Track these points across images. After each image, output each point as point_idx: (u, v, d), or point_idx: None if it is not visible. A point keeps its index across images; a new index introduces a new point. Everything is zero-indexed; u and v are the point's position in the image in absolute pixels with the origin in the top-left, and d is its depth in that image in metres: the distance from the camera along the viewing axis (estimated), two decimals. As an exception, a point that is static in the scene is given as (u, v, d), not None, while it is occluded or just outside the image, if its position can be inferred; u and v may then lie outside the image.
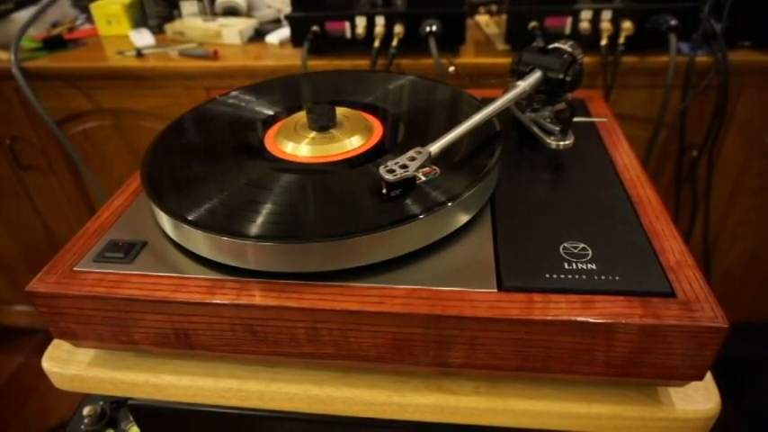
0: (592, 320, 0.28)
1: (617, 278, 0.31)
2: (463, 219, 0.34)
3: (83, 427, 0.46)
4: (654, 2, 0.75)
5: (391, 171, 0.32)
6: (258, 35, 0.97)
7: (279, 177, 0.37)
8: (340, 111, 0.42)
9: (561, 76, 0.43)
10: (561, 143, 0.40)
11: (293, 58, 0.85)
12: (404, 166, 0.33)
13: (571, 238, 0.34)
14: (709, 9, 0.73)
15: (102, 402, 0.47)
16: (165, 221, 0.34)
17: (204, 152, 0.41)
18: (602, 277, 0.31)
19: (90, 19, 1.05)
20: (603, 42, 0.77)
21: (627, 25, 0.76)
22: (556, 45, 0.45)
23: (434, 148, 0.34)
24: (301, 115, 0.42)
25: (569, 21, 0.78)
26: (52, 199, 1.12)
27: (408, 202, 0.33)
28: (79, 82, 0.94)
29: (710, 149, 0.82)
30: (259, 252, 0.31)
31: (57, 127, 0.95)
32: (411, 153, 0.34)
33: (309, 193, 0.35)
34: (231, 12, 1.02)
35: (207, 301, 0.31)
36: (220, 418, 0.39)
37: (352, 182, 0.36)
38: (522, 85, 0.42)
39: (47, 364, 0.37)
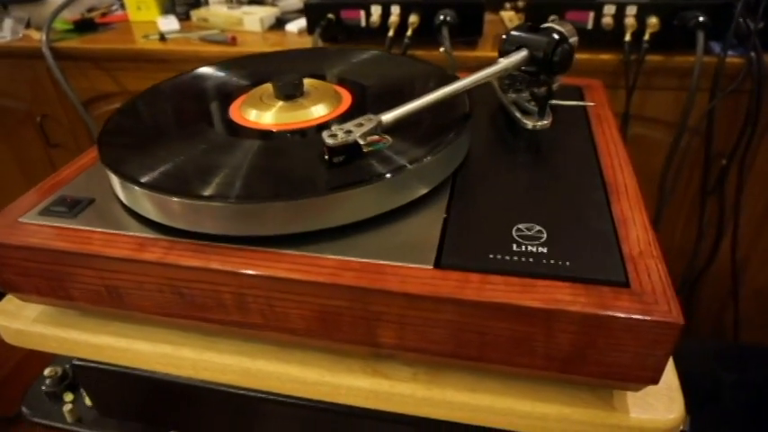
0: (529, 305, 0.26)
1: (567, 263, 0.28)
2: (412, 194, 0.32)
3: (43, 388, 0.46)
4: (683, -3, 0.71)
5: (334, 135, 0.30)
6: (279, 24, 0.97)
7: (229, 142, 0.35)
8: (309, 81, 0.41)
9: (547, 56, 0.40)
10: (538, 123, 0.38)
11: (310, 46, 0.85)
12: (348, 132, 0.31)
13: (528, 221, 0.31)
14: (743, 6, 0.68)
15: (67, 365, 0.47)
16: (109, 176, 0.34)
17: (166, 119, 0.40)
18: (551, 261, 0.28)
19: (123, 5, 1.08)
20: (627, 39, 0.73)
21: (653, 21, 0.72)
22: (548, 24, 0.42)
23: (387, 116, 0.33)
24: (268, 86, 0.40)
25: (591, 15, 0.75)
26: (78, 177, 1.16)
27: (351, 169, 0.31)
28: (105, 63, 0.96)
29: (741, 159, 0.76)
30: (186, 210, 0.30)
31: (83, 107, 0.98)
32: (360, 119, 0.32)
33: (255, 159, 0.33)
34: (258, 1, 1.03)
35: (133, 258, 0.30)
36: (164, 387, 0.38)
37: (303, 149, 0.34)
38: (503, 62, 0.39)
39: (-4, 316, 0.37)
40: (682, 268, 0.90)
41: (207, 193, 0.30)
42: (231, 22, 0.96)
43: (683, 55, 0.73)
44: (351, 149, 0.31)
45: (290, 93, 0.39)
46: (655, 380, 0.27)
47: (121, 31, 1.02)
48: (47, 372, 0.46)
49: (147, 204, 0.31)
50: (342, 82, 0.43)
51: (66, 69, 0.96)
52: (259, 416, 0.39)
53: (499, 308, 0.26)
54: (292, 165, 0.33)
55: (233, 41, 0.89)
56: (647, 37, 0.72)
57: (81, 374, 0.39)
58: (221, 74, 0.47)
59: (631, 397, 0.30)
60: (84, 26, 1.00)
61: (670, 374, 0.31)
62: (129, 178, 0.32)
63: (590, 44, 0.76)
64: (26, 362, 1.23)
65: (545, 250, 0.29)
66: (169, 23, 0.98)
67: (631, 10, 0.72)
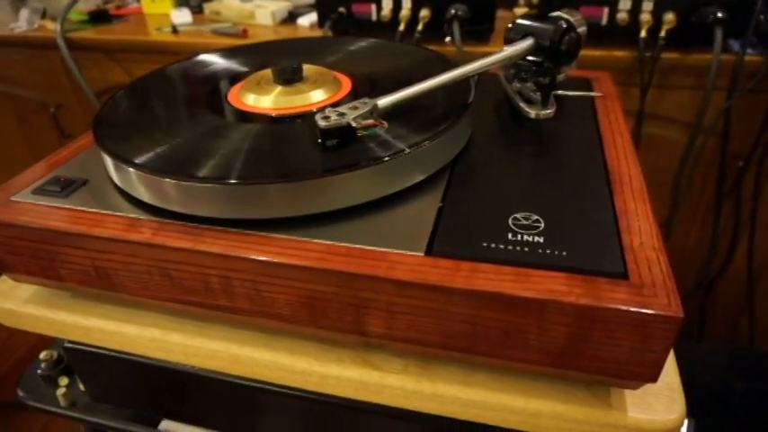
0: (521, 295, 0.25)
1: (564, 253, 0.27)
2: (407, 180, 0.31)
3: (39, 371, 0.46)
4: (702, -7, 0.69)
5: (326, 118, 0.30)
6: (292, 18, 0.97)
7: (224, 125, 0.35)
8: (309, 67, 0.40)
9: (554, 45, 0.38)
10: (542, 112, 0.36)
11: (317, 39, 0.85)
12: (341, 114, 0.30)
13: (526, 210, 0.30)
14: (763, 3, 0.66)
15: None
16: (102, 157, 0.33)
17: (163, 102, 0.40)
18: (548, 251, 0.27)
19: (139, -3, 1.09)
20: (642, 35, 0.71)
21: (669, 17, 0.70)
22: (557, 13, 0.41)
23: (383, 101, 0.32)
24: (268, 71, 0.40)
25: (606, 11, 0.73)
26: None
27: (345, 153, 0.30)
28: (118, 54, 0.97)
29: (759, 161, 0.74)
30: (175, 191, 0.29)
31: (96, 98, 0.99)
32: (355, 103, 0.31)
33: (250, 142, 0.33)
34: (270, -5, 1.03)
35: (121, 238, 0.30)
36: (154, 373, 0.37)
37: (299, 133, 0.34)
38: (507, 50, 0.38)
39: (-13, 296, 0.37)
40: (696, 272, 0.88)
41: (196, 173, 0.29)
42: (243, 16, 0.95)
43: (700, 52, 0.71)
44: (344, 133, 0.30)
45: (289, 77, 0.38)
46: (653, 377, 0.26)
47: (135, 22, 1.02)
48: (42, 355, 0.46)
49: (136, 184, 0.31)
50: (342, 69, 0.43)
51: (80, 60, 0.97)
52: (251, 404, 0.38)
53: (490, 297, 0.25)
54: (287, 149, 0.32)
55: (244, 34, 0.89)
56: (663, 33, 0.70)
57: (72, 357, 0.39)
58: (221, 60, 0.47)
59: (630, 396, 0.29)
60: (99, 17, 1.00)
61: (672, 374, 0.30)
62: (119, 158, 0.31)
63: (604, 40, 0.75)
64: (40, 347, 1.25)
65: (541, 240, 0.28)
66: (182, 16, 0.98)
67: (648, 5, 0.71)
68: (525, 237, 0.28)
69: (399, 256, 0.27)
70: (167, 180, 0.29)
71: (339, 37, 0.83)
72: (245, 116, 0.36)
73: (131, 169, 0.31)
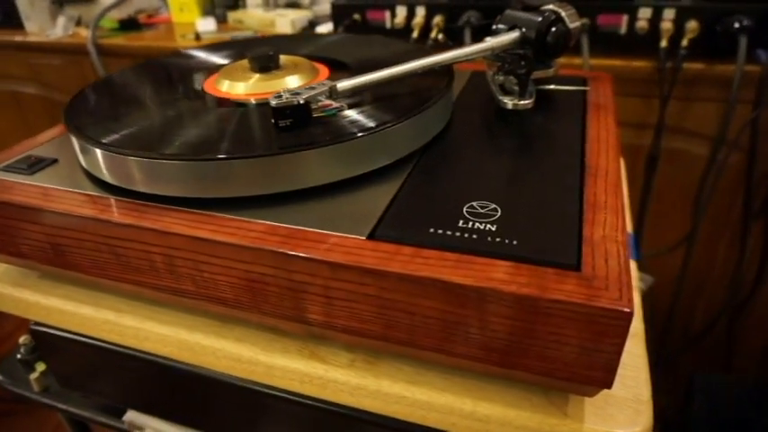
0: (458, 282, 0.23)
1: (514, 242, 0.25)
2: (367, 165, 0.30)
3: (18, 356, 0.46)
4: (727, 0, 0.65)
5: (278, 96, 0.29)
6: (312, 26, 0.98)
7: (190, 108, 0.35)
8: (287, 57, 0.40)
9: (540, 37, 0.37)
10: (520, 102, 0.35)
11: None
12: (295, 94, 0.29)
13: (485, 199, 0.28)
14: (793, 9, 0.62)
15: (46, 336, 0.47)
16: (70, 137, 0.34)
17: (137, 90, 0.40)
18: (497, 239, 0.25)
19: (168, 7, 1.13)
20: (663, 45, 0.68)
21: (692, 26, 0.67)
22: (550, 6, 0.39)
23: (343, 83, 0.31)
24: (245, 61, 0.40)
25: (625, 19, 0.70)
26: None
27: (303, 135, 0.29)
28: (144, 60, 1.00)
29: (790, 179, 0.69)
30: (123, 167, 0.29)
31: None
32: (313, 84, 0.30)
33: (213, 123, 0.32)
34: (293, 4, 1.05)
35: (70, 212, 0.29)
36: (118, 360, 0.37)
37: (263, 116, 0.33)
38: (490, 41, 0.37)
39: (-39, 273, 0.38)
40: (722, 297, 0.82)
41: (143, 149, 0.29)
42: (264, 24, 0.97)
43: (726, 63, 0.67)
44: (299, 113, 0.29)
45: (265, 65, 0.38)
46: (606, 383, 0.23)
47: (163, 30, 1.06)
48: (21, 340, 0.46)
49: (91, 160, 0.31)
50: (322, 60, 0.42)
51: (110, 65, 1.01)
52: (213, 397, 0.37)
53: (426, 284, 0.23)
54: (245, 130, 0.31)
55: (263, 41, 0.90)
56: (685, 43, 0.67)
57: (38, 340, 0.39)
58: (203, 54, 0.47)
59: (590, 405, 0.26)
60: (129, 25, 1.04)
61: (642, 385, 0.27)
62: (78, 132, 0.31)
63: (623, 50, 0.72)
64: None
65: (494, 228, 0.26)
66: (206, 24, 1.01)
67: (669, 14, 0.68)
68: (477, 224, 0.26)
69: (340, 239, 0.26)
70: (113, 155, 0.29)
71: (345, 35, 0.84)
72: (214, 100, 0.36)
73: (87, 144, 0.30)
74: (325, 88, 0.30)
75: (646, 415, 0.25)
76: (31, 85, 1.16)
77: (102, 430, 0.46)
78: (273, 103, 0.28)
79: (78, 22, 1.08)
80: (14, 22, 1.11)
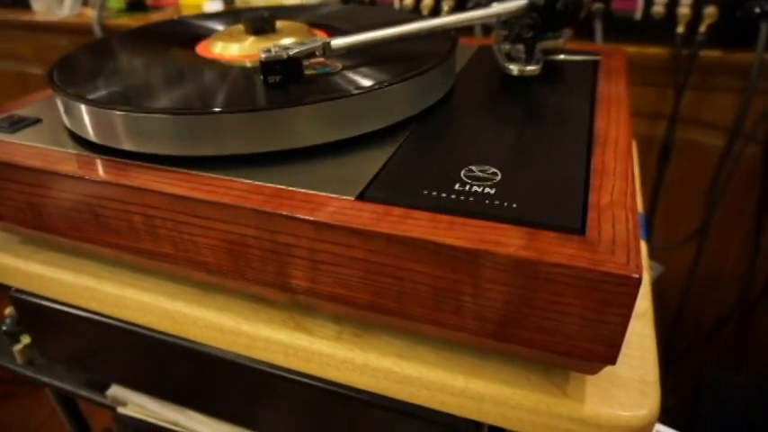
0: (449, 243, 0.21)
1: (513, 205, 0.23)
2: (362, 126, 0.28)
3: (4, 327, 0.45)
4: (749, -15, 0.63)
5: (268, 51, 0.27)
6: (319, 11, 0.96)
7: (177, 67, 0.33)
8: (283, 23, 0.38)
9: (549, 3, 0.35)
10: (527, 68, 0.33)
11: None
12: (285, 49, 0.27)
13: (485, 163, 0.26)
14: (818, -7, 0.60)
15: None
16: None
17: (128, 53, 0.39)
18: (495, 202, 0.23)
19: (177, -10, 1.12)
20: (680, 31, 0.66)
21: (711, 11, 0.64)
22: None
23: (337, 41, 0.29)
24: (241, 25, 0.38)
25: (641, 4, 0.68)
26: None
27: (295, 91, 0.27)
28: (150, 41, 0.99)
29: (809, 172, 0.67)
30: (104, 123, 0.27)
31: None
32: (305, 40, 0.28)
33: (198, 82, 0.31)
34: (301, -11, 1.03)
35: (47, 169, 0.28)
36: (99, 330, 0.35)
37: (254, 76, 0.31)
38: (495, 7, 0.35)
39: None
40: (735, 294, 0.79)
41: (123, 104, 0.27)
42: (271, 4, 0.96)
43: (745, 51, 0.65)
44: (289, 68, 0.28)
45: (260, 27, 0.36)
46: (611, 358, 0.21)
47: (170, 12, 1.04)
48: (8, 311, 0.45)
49: (71, 115, 0.29)
50: (323, 27, 0.40)
51: (115, 46, 1.00)
52: (203, 372, 0.36)
53: (416, 246, 0.22)
54: (233, 87, 0.30)
55: (269, 23, 0.89)
56: (702, 29, 0.65)
57: (19, 307, 0.37)
58: (201, 21, 0.46)
59: (592, 385, 0.24)
60: (136, 6, 1.03)
61: (650, 366, 0.25)
62: (59, 88, 0.30)
63: (637, 36, 0.70)
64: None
65: (492, 191, 0.24)
66: (213, 5, 0.99)
67: (687, -2, 0.65)
68: (474, 188, 0.24)
69: (327, 199, 0.24)
70: (89, 107, 0.27)
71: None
72: (204, 61, 0.35)
73: (67, 99, 0.29)
74: (318, 44, 0.28)
75: (652, 397, 0.23)
76: (37, 66, 1.15)
77: (90, 406, 0.45)
78: (263, 57, 0.27)
79: (85, 2, 1.07)
80: (22, 1, 1.10)
